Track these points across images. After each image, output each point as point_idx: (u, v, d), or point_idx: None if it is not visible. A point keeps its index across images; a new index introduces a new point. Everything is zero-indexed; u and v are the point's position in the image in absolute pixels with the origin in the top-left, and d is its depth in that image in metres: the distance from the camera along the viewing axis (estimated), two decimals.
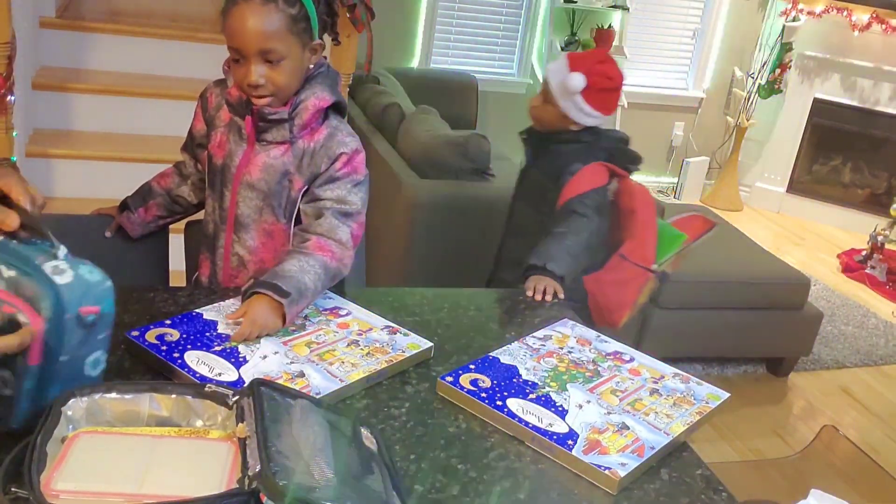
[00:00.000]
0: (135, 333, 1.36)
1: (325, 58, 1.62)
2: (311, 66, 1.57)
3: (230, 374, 1.29)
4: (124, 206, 1.82)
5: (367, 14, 3.01)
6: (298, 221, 1.63)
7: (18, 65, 3.00)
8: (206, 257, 1.72)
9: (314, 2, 1.52)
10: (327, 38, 1.65)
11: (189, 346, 1.34)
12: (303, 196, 1.61)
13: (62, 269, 1.05)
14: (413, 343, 1.45)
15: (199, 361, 1.31)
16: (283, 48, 1.49)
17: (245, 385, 1.20)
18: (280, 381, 1.27)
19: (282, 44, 1.48)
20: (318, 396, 1.22)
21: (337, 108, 1.63)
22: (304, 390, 1.24)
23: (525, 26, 5.18)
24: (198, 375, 1.27)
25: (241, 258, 1.66)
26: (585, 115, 2.20)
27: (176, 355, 1.32)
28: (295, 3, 1.49)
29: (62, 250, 1.09)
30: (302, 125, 1.57)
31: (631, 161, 2.30)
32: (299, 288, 1.44)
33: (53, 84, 3.56)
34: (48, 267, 1.04)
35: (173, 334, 1.37)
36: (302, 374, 1.31)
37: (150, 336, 1.36)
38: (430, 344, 1.46)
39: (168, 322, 1.41)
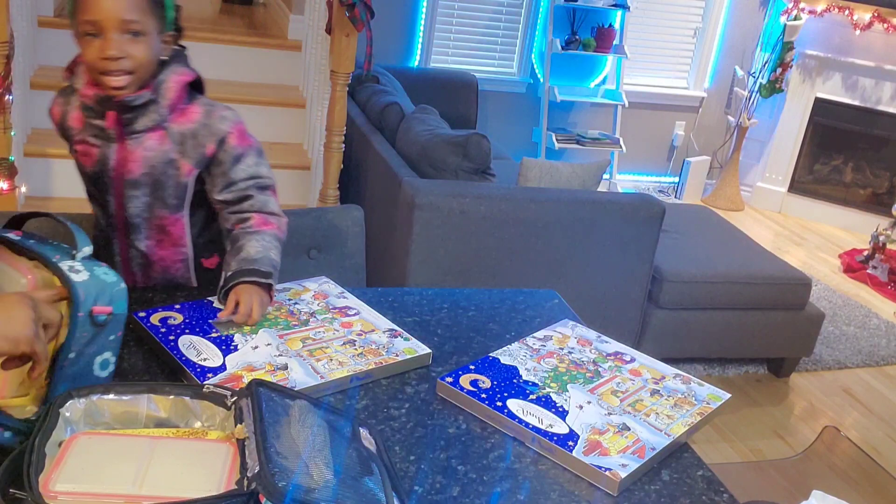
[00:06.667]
0: (142, 314, 1.41)
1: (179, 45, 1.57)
2: (166, 57, 1.52)
3: (216, 360, 1.31)
4: None
5: (366, 13, 3.01)
6: (194, 207, 1.60)
7: (17, 64, 3.00)
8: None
9: None
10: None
11: (188, 331, 1.38)
12: (198, 182, 1.57)
13: (78, 269, 1.09)
14: (410, 348, 1.44)
15: (190, 346, 1.34)
16: (144, 23, 1.44)
17: (235, 381, 1.20)
18: (262, 372, 1.29)
19: (143, 18, 1.43)
20: (294, 390, 1.21)
21: (198, 87, 1.59)
22: (281, 382, 1.25)
23: (525, 25, 5.18)
24: (184, 359, 1.30)
25: (142, 260, 1.62)
26: None
27: (172, 338, 1.35)
28: None
29: (84, 251, 1.13)
30: (170, 105, 1.51)
31: None
32: (273, 265, 1.51)
33: (52, 83, 3.55)
34: (65, 265, 1.08)
35: (177, 318, 1.41)
36: (285, 367, 1.32)
37: (155, 318, 1.40)
38: (429, 350, 1.45)
39: (177, 307, 1.46)
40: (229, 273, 1.49)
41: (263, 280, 1.46)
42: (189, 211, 1.60)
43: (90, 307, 1.07)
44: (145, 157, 1.52)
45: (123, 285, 1.13)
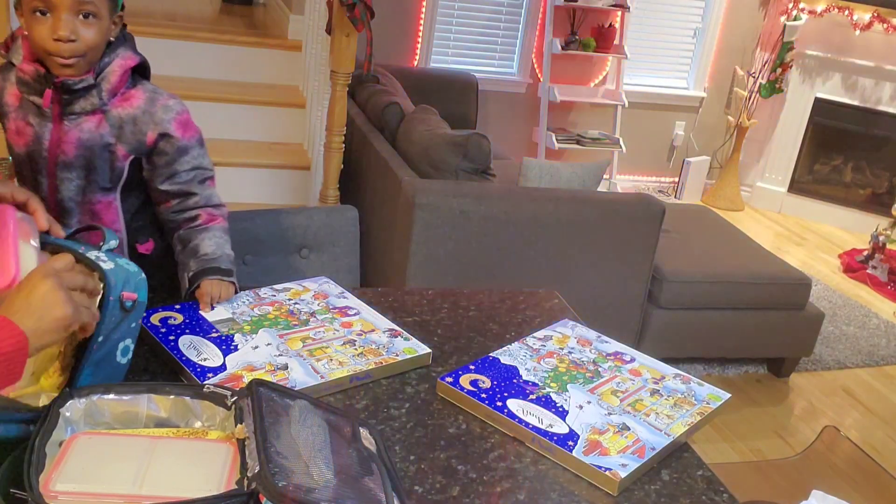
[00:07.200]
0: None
1: (125, 25, 1.54)
2: (113, 38, 1.48)
3: (216, 359, 1.31)
4: None
5: (366, 13, 3.01)
6: (126, 191, 1.57)
7: None
8: None
9: None
10: None
11: (188, 331, 1.39)
12: (131, 167, 1.54)
13: (104, 259, 1.13)
14: (410, 347, 1.44)
15: (190, 346, 1.34)
16: (98, 5, 1.40)
17: (235, 380, 1.20)
18: (262, 372, 1.29)
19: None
20: (294, 390, 1.22)
21: (143, 72, 1.56)
22: (281, 382, 1.25)
23: (525, 25, 5.18)
24: (184, 359, 1.30)
25: None
26: None
27: (172, 338, 1.35)
28: None
29: (110, 244, 1.17)
30: (111, 90, 1.48)
31: None
32: (231, 260, 1.54)
33: None
34: (91, 255, 1.13)
35: (177, 318, 1.42)
36: (285, 367, 1.32)
37: (155, 318, 1.41)
38: (429, 350, 1.45)
39: (177, 307, 1.46)
40: (191, 273, 1.51)
41: (228, 279, 1.50)
42: (122, 195, 1.57)
43: (119, 293, 1.11)
44: (80, 139, 1.49)
45: (143, 275, 1.17)
